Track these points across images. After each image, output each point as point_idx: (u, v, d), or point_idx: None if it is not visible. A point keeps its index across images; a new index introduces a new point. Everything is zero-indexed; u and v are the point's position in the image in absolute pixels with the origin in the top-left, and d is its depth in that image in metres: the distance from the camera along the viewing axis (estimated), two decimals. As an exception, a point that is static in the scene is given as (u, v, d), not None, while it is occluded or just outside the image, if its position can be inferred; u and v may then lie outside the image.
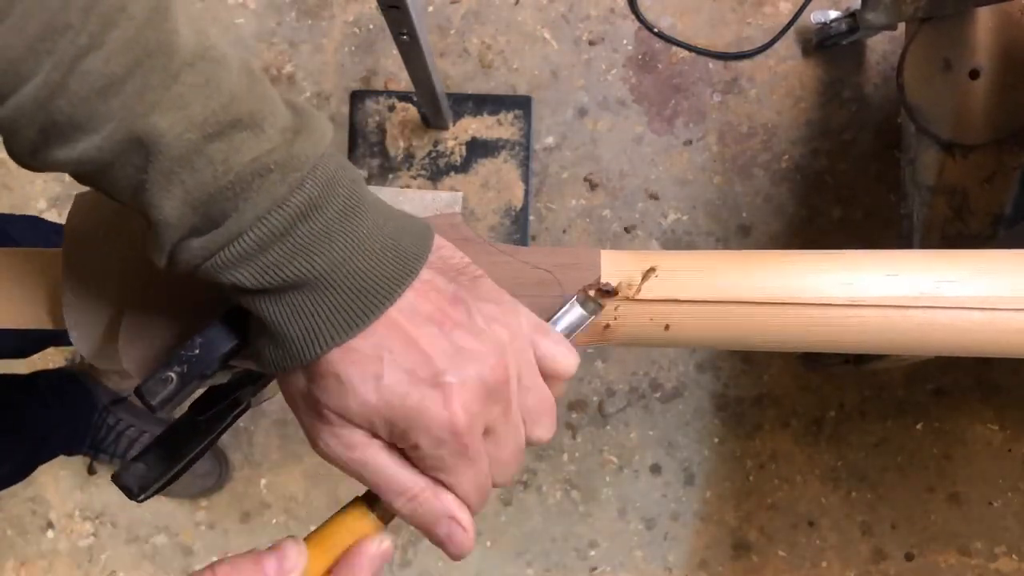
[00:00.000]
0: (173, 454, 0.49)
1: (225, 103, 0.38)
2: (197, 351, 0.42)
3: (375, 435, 0.42)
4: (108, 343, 0.48)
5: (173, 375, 0.41)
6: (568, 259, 0.49)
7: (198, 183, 0.38)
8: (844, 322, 0.48)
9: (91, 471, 1.70)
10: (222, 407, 0.50)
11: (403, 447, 0.42)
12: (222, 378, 0.49)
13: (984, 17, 1.17)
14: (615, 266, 0.50)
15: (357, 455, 0.42)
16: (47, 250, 0.53)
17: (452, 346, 0.41)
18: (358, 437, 0.42)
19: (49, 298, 0.52)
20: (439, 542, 0.45)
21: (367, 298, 0.41)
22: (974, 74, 1.18)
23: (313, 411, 0.42)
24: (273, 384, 0.53)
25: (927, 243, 1.23)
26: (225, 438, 1.66)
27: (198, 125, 0.37)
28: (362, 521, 0.44)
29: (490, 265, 0.49)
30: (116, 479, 0.46)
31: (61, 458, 1.59)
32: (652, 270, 0.49)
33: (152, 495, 0.48)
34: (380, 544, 0.43)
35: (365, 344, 0.41)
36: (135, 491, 0.47)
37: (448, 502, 0.43)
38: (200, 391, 0.48)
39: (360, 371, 0.41)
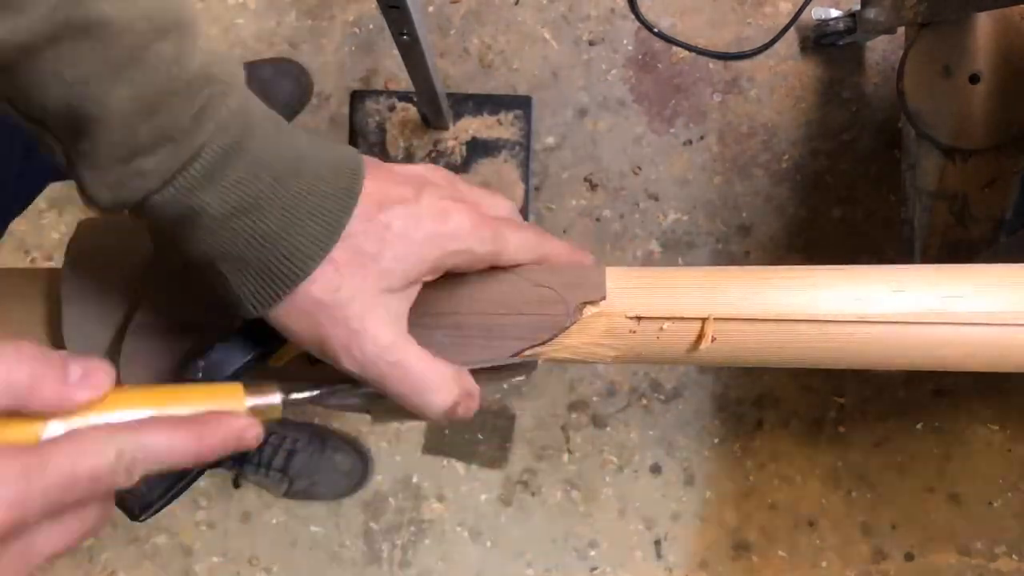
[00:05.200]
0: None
1: (171, 5, 0.37)
2: (200, 375, 0.42)
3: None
4: (109, 365, 0.48)
5: None
6: (572, 277, 0.49)
7: (149, 81, 0.36)
8: (850, 339, 0.48)
9: (236, 484, 1.68)
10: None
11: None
12: (224, 398, 0.49)
13: (984, 22, 1.17)
14: (620, 283, 0.50)
15: (394, 355, 0.42)
16: (47, 268, 0.53)
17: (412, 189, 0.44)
18: (380, 332, 0.42)
19: (48, 318, 0.51)
20: (459, 416, 0.46)
21: (342, 189, 0.41)
22: (974, 79, 1.18)
23: (340, 322, 0.41)
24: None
25: (928, 249, 1.23)
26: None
27: (147, 18, 0.36)
28: (232, 399, 0.41)
29: (493, 282, 0.49)
30: (116, 500, 0.46)
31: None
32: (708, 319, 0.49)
33: (152, 515, 0.48)
34: (250, 425, 0.39)
35: (357, 224, 0.41)
36: (136, 511, 0.46)
37: (468, 381, 0.46)
38: None
39: (375, 239, 0.42)
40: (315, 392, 0.44)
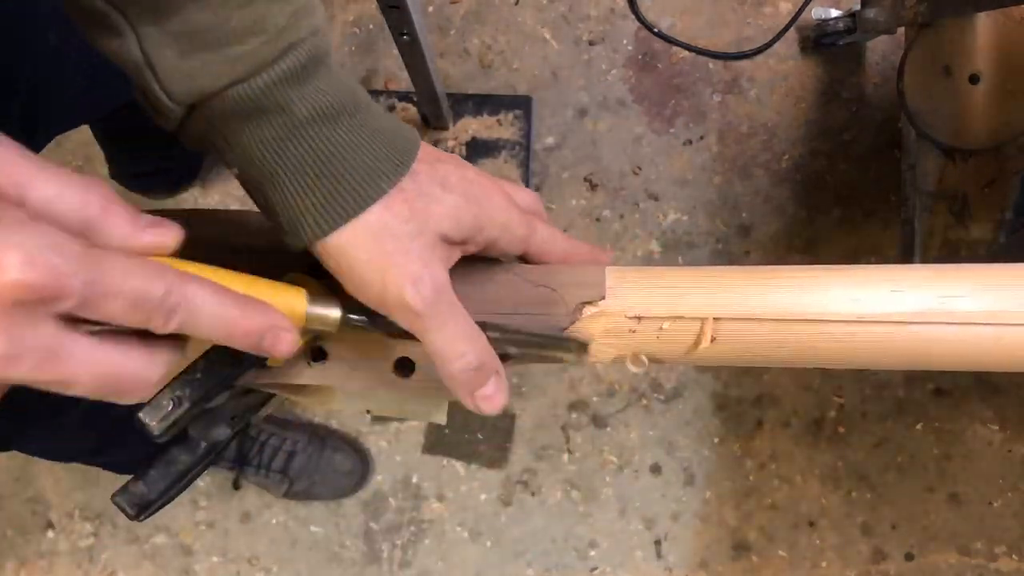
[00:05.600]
0: (173, 473, 0.48)
1: None
2: (199, 375, 0.41)
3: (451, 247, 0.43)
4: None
5: (174, 400, 0.40)
6: (572, 277, 0.49)
7: None
8: (850, 339, 0.48)
9: (236, 486, 1.67)
10: (222, 425, 0.50)
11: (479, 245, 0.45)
12: (222, 398, 0.49)
13: (984, 22, 1.16)
14: (620, 283, 0.49)
15: (451, 298, 0.42)
16: None
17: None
18: (440, 275, 0.42)
19: None
20: (483, 397, 0.45)
21: (407, 135, 0.43)
22: (974, 79, 1.18)
23: (410, 253, 0.41)
24: (273, 399, 0.53)
25: (928, 249, 1.23)
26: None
27: None
28: (294, 299, 0.41)
29: (493, 282, 0.49)
30: (116, 500, 0.46)
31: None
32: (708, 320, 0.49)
33: (152, 514, 0.48)
34: (288, 330, 0.38)
35: (421, 166, 0.43)
36: (134, 512, 0.46)
37: (497, 359, 0.45)
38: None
39: (437, 184, 0.43)
40: (369, 317, 0.44)
